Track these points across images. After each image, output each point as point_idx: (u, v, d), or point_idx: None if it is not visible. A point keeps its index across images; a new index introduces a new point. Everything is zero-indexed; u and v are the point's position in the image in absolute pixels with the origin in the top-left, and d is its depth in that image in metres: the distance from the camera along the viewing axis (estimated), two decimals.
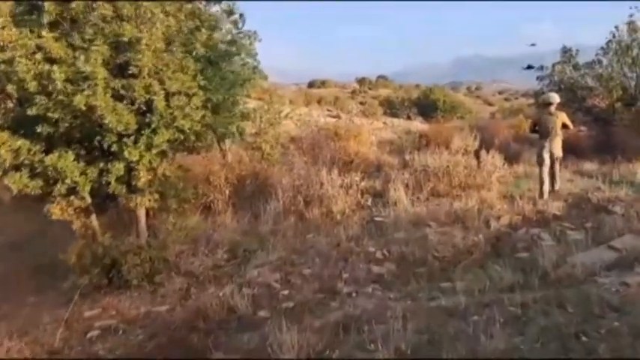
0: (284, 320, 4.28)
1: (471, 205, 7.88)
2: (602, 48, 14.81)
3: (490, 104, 62.20)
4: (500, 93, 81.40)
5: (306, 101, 38.33)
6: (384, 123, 32.51)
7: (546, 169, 8.36)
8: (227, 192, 10.23)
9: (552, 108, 8.41)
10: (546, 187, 8.36)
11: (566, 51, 15.30)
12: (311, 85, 67.45)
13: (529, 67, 16.21)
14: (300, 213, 8.77)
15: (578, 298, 4.06)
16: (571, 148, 17.27)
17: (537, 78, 15.47)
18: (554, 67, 15.15)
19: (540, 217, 7.47)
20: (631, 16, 14.22)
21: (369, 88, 62.46)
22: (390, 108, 42.80)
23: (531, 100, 17.61)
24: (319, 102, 40.00)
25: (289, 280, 5.98)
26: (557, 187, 8.65)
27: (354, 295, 5.30)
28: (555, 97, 8.56)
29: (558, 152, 8.42)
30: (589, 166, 12.08)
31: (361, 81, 68.24)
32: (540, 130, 8.50)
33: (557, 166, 8.55)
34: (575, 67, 15.13)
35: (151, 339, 4.80)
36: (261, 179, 10.56)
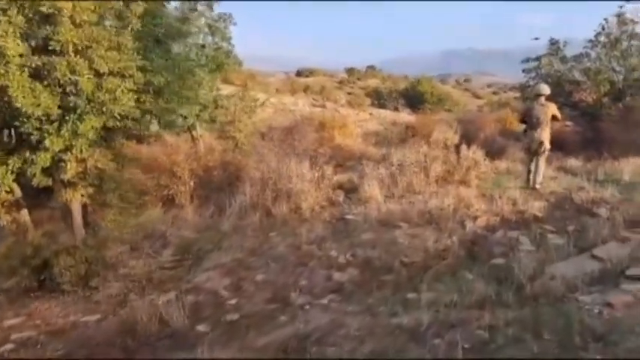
0: (223, 337, 3.66)
1: (447, 204, 7.29)
2: (590, 41, 14.28)
3: (478, 97, 61.75)
4: (488, 86, 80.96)
5: (292, 90, 37.49)
6: (371, 114, 31.88)
7: (533, 160, 8.45)
8: (191, 184, 9.55)
9: (542, 99, 8.32)
10: (532, 176, 8.48)
11: (553, 43, 14.73)
12: (299, 73, 66.36)
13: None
14: (267, 209, 8.13)
15: (556, 321, 3.48)
16: (557, 144, 16.76)
17: (524, 71, 14.90)
18: (541, 59, 14.57)
19: (520, 218, 6.90)
20: (621, 7, 13.67)
21: (358, 79, 61.59)
22: (378, 99, 42.11)
23: (518, 94, 17.06)
24: (305, 91, 39.15)
25: (240, 286, 5.36)
26: (537, 183, 8.46)
27: (307, 307, 4.69)
28: (546, 89, 8.46)
29: (547, 142, 8.29)
30: (574, 162, 11.56)
31: (350, 71, 67.29)
32: (530, 121, 8.38)
33: (542, 158, 8.45)
34: (563, 59, 14.59)
35: (69, 355, 4.15)
36: (231, 171, 9.89)
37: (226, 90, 14.27)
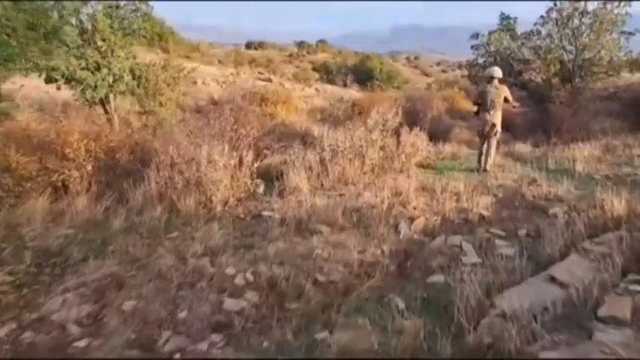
0: None
1: (380, 200, 6.11)
2: (541, 17, 13.38)
3: (427, 75, 61.54)
4: (437, 64, 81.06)
5: (236, 62, 35.42)
6: (317, 89, 30.45)
7: (484, 143, 8.36)
8: (89, 168, 7.93)
9: (495, 82, 8.22)
10: (484, 158, 8.38)
11: (504, 18, 13.74)
12: (248, 46, 63.88)
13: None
14: (172, 202, 6.70)
15: None
16: (504, 125, 16.06)
17: (472, 47, 13.88)
18: (490, 35, 13.56)
19: (464, 218, 5.82)
20: None
21: (308, 52, 59.84)
22: (327, 74, 40.66)
23: (465, 72, 16.16)
24: (251, 64, 37.17)
25: (101, 318, 3.97)
26: (488, 165, 8.33)
27: (177, 355, 3.39)
28: (499, 71, 8.31)
29: (498, 125, 8.24)
30: (522, 148, 10.68)
31: (300, 44, 65.33)
32: (483, 103, 8.30)
33: (493, 141, 8.35)
34: (513, 36, 13.64)
35: None
36: (140, 153, 8.32)
37: (145, 58, 12.45)
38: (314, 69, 42.31)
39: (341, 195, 6.89)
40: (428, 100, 24.10)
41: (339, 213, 5.62)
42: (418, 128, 9.44)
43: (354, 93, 32.71)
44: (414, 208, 5.95)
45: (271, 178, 7.68)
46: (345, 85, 37.75)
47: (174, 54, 32.48)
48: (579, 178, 7.30)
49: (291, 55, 56.64)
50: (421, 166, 8.69)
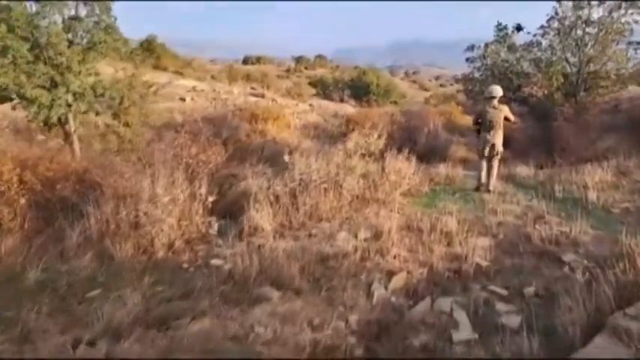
0: None
1: (354, 246, 4.92)
2: (541, 27, 12.25)
3: (426, 89, 60.66)
4: (436, 78, 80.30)
5: (230, 77, 34.42)
6: (311, 105, 29.36)
7: (485, 163, 7.95)
8: (22, 202, 6.76)
9: (495, 101, 7.80)
10: (484, 179, 7.96)
11: (501, 29, 12.61)
12: (245, 61, 63.10)
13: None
14: (104, 248, 5.51)
15: None
16: (504, 144, 14.92)
17: (467, 60, 12.75)
18: (486, 47, 12.43)
19: (456, 270, 4.60)
20: None
21: (305, 68, 58.97)
22: (324, 89, 39.65)
23: (460, 86, 14.96)
24: (245, 79, 36.18)
25: None
26: (491, 185, 7.86)
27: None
28: (499, 90, 7.87)
29: (499, 145, 7.82)
30: (524, 170, 9.47)
31: (298, 59, 64.49)
32: (483, 123, 7.89)
33: (495, 161, 7.90)
34: (511, 48, 12.50)
35: None
36: (89, 183, 7.14)
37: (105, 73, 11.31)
38: (310, 84, 41.38)
39: (311, 236, 5.70)
40: (424, 116, 23.05)
41: (297, 270, 4.39)
42: (407, 150, 8.27)
43: (349, 108, 31.70)
44: (395, 257, 4.74)
45: (235, 213, 6.50)
46: (341, 101, 36.74)
47: (146, 69, 31.57)
48: (594, 212, 6.09)
49: (288, 70, 55.77)
50: (410, 194, 7.49)
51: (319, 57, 69.46)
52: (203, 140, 7.94)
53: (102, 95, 10.25)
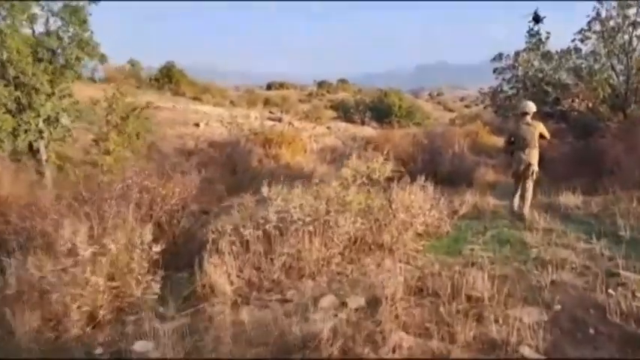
0: None
1: (338, 324, 3.25)
2: (580, 31, 10.44)
3: (451, 110, 58.76)
4: (461, 100, 78.10)
5: (249, 102, 33.35)
6: (328, 127, 27.90)
7: (520, 184, 7.27)
8: None
9: (528, 117, 7.20)
10: (517, 201, 7.26)
11: (533, 35, 10.84)
12: (269, 87, 62.45)
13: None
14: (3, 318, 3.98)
15: None
16: (539, 164, 12.96)
17: (495, 71, 11.00)
18: (517, 55, 10.67)
19: None
20: None
21: (328, 91, 57.81)
22: (345, 112, 38.27)
23: (487, 101, 13.20)
24: (265, 103, 35.09)
25: None
26: (525, 210, 7.01)
27: None
28: (532, 106, 7.28)
29: (535, 165, 7.14)
30: (571, 199, 7.62)
31: (321, 84, 63.48)
32: (516, 142, 7.28)
33: (530, 182, 7.18)
34: (545, 56, 10.71)
35: None
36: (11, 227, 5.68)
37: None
38: (332, 107, 40.09)
39: (285, 302, 4.04)
40: (449, 136, 21.28)
41: None
42: (425, 176, 6.58)
43: (369, 131, 30.13)
44: (394, 350, 3.02)
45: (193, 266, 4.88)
46: (362, 123, 35.24)
47: (187, 95, 30.78)
48: None
49: (310, 95, 54.72)
50: (427, 235, 5.76)
51: (341, 81, 68.41)
52: (168, 169, 6.43)
53: (77, 118, 8.93)
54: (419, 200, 5.71)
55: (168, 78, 31.53)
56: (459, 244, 5.48)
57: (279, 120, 28.09)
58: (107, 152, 9.35)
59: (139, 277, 4.25)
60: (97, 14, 8.61)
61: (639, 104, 10.12)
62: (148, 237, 4.50)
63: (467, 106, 63.64)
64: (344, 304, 3.82)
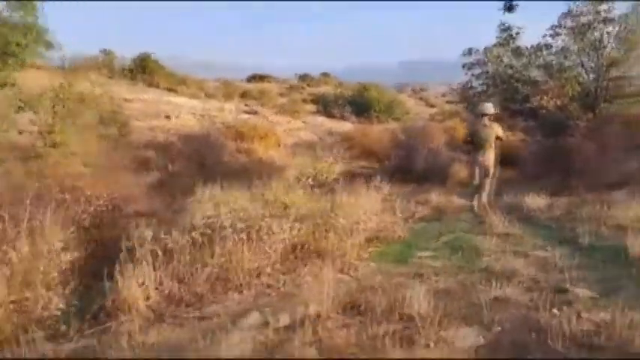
0: None
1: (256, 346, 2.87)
2: (552, 27, 10.15)
3: (432, 106, 58.54)
4: (443, 95, 78.05)
5: (225, 94, 32.63)
6: (304, 122, 27.46)
7: (479, 184, 7.48)
8: None
9: (486, 119, 7.46)
10: (477, 201, 7.40)
11: (504, 29, 10.52)
12: (250, 79, 61.47)
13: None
14: None
15: None
16: (511, 163, 12.69)
17: (464, 66, 10.68)
18: (487, 51, 10.35)
19: None
20: None
21: (308, 85, 57.11)
22: (324, 106, 37.76)
23: (457, 97, 12.85)
24: (243, 96, 34.39)
25: None
26: (490, 201, 7.44)
27: None
28: (490, 108, 7.52)
29: (491, 166, 7.42)
30: (536, 200, 7.35)
31: (303, 77, 62.72)
32: (475, 142, 7.51)
33: (487, 180, 7.45)
34: (516, 52, 10.40)
35: None
36: None
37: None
38: (312, 101, 39.52)
39: (204, 319, 3.64)
40: (427, 133, 21.03)
41: None
42: (378, 178, 6.21)
43: (348, 125, 29.75)
44: None
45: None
46: (342, 117, 34.80)
47: (162, 87, 29.94)
48: None
49: (291, 88, 54.03)
50: (378, 240, 5.40)
51: (324, 74, 67.74)
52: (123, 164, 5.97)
53: (20, 109, 8.36)
54: (368, 203, 5.34)
55: (142, 69, 30.65)
56: (410, 251, 5.14)
57: (255, 113, 27.57)
58: (53, 145, 8.79)
59: (44, 289, 3.80)
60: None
61: (609, 103, 9.92)
62: (57, 244, 4.05)
63: (449, 102, 63.59)
64: (267, 323, 3.44)
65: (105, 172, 7.87)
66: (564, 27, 9.92)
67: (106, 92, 18.41)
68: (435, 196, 8.70)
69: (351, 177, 12.52)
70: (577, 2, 9.71)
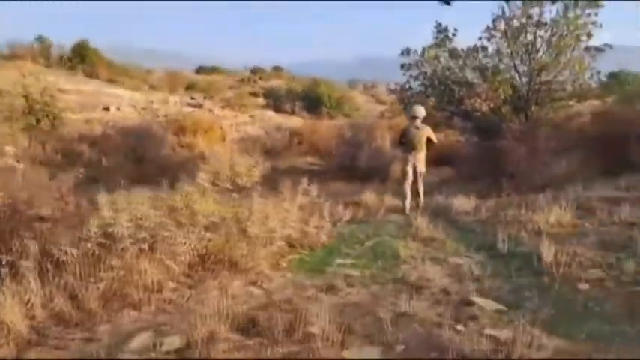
0: None
1: None
2: (487, 28, 10.25)
3: (383, 103, 59.07)
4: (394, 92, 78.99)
5: (170, 86, 31.57)
6: (252, 116, 26.97)
7: (409, 185, 7.58)
8: None
9: (418, 122, 7.61)
10: (408, 202, 7.53)
11: (440, 30, 10.56)
12: (199, 70, 59.93)
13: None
14: None
15: None
16: (448, 163, 12.85)
17: (402, 66, 10.64)
18: (424, 52, 10.34)
19: None
20: None
21: (260, 78, 56.34)
22: (275, 100, 37.24)
23: (393, 96, 12.94)
24: (189, 88, 33.39)
25: None
26: (420, 202, 7.66)
27: None
28: (421, 111, 7.68)
29: (422, 167, 7.62)
30: (464, 203, 7.36)
31: (254, 70, 61.78)
32: (406, 144, 7.69)
33: (420, 182, 7.65)
34: (452, 54, 10.46)
35: None
36: None
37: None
38: (263, 95, 38.91)
39: (91, 340, 3.31)
40: (373, 130, 21.09)
41: None
42: (306, 182, 5.98)
43: (297, 121, 29.45)
44: None
45: None
46: (292, 112, 34.48)
47: (101, 77, 28.57)
48: (552, 287, 3.90)
49: (242, 81, 53.08)
50: (301, 247, 5.19)
51: (276, 68, 67.02)
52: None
53: None
54: (292, 207, 5.12)
55: (81, 57, 29.14)
56: (331, 258, 4.96)
57: (200, 107, 26.80)
58: None
59: None
60: None
61: (540, 106, 10.15)
62: None
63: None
64: (158, 345, 3.15)
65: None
66: (498, 29, 10.06)
67: (36, 82, 17.34)
68: (370, 196, 8.61)
69: (291, 174, 12.30)
70: (510, 3, 9.83)
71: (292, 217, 4.99)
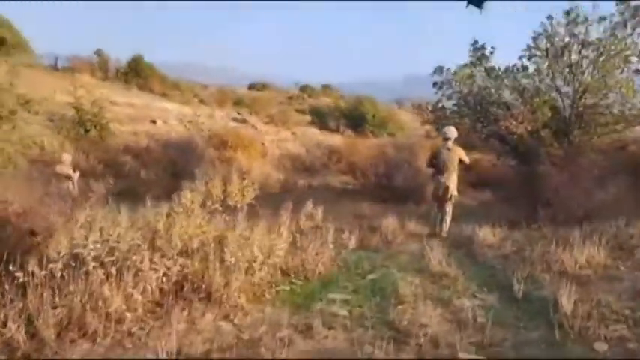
0: None
1: None
2: (527, 47, 9.52)
3: (429, 122, 57.68)
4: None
5: (219, 101, 32.13)
6: (293, 133, 26.87)
7: (439, 207, 7.33)
8: None
9: (449, 143, 7.34)
10: (437, 225, 7.28)
11: (477, 48, 9.90)
12: (251, 87, 61.09)
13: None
14: None
15: None
16: (485, 181, 12.09)
17: (434, 85, 10.06)
18: (457, 70, 9.72)
19: None
20: None
21: (309, 96, 56.66)
22: (319, 118, 37.18)
23: (427, 117, 12.37)
24: (237, 104, 33.90)
25: None
26: (444, 230, 7.27)
27: None
28: (453, 132, 7.42)
29: (453, 189, 7.28)
30: (489, 235, 6.66)
31: (303, 88, 62.30)
32: (437, 165, 7.41)
33: (448, 206, 7.29)
34: (490, 72, 9.78)
35: None
36: None
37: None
38: (311, 112, 38.98)
39: None
40: (414, 149, 20.44)
41: None
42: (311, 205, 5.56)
43: (339, 139, 29.12)
44: None
45: None
46: (337, 130, 34.30)
47: (154, 91, 29.50)
48: (563, 341, 3.25)
49: (291, 98, 53.56)
50: (292, 275, 4.75)
51: (325, 86, 67.36)
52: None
53: None
54: (281, 232, 4.70)
55: (135, 72, 30.22)
56: (324, 291, 4.48)
57: (245, 122, 27.00)
58: None
59: None
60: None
61: (583, 130, 9.25)
62: None
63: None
64: None
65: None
66: (539, 48, 9.31)
67: (88, 94, 17.97)
68: (391, 220, 8.04)
69: (322, 192, 11.74)
70: (553, 21, 9.07)
71: (282, 242, 4.55)
